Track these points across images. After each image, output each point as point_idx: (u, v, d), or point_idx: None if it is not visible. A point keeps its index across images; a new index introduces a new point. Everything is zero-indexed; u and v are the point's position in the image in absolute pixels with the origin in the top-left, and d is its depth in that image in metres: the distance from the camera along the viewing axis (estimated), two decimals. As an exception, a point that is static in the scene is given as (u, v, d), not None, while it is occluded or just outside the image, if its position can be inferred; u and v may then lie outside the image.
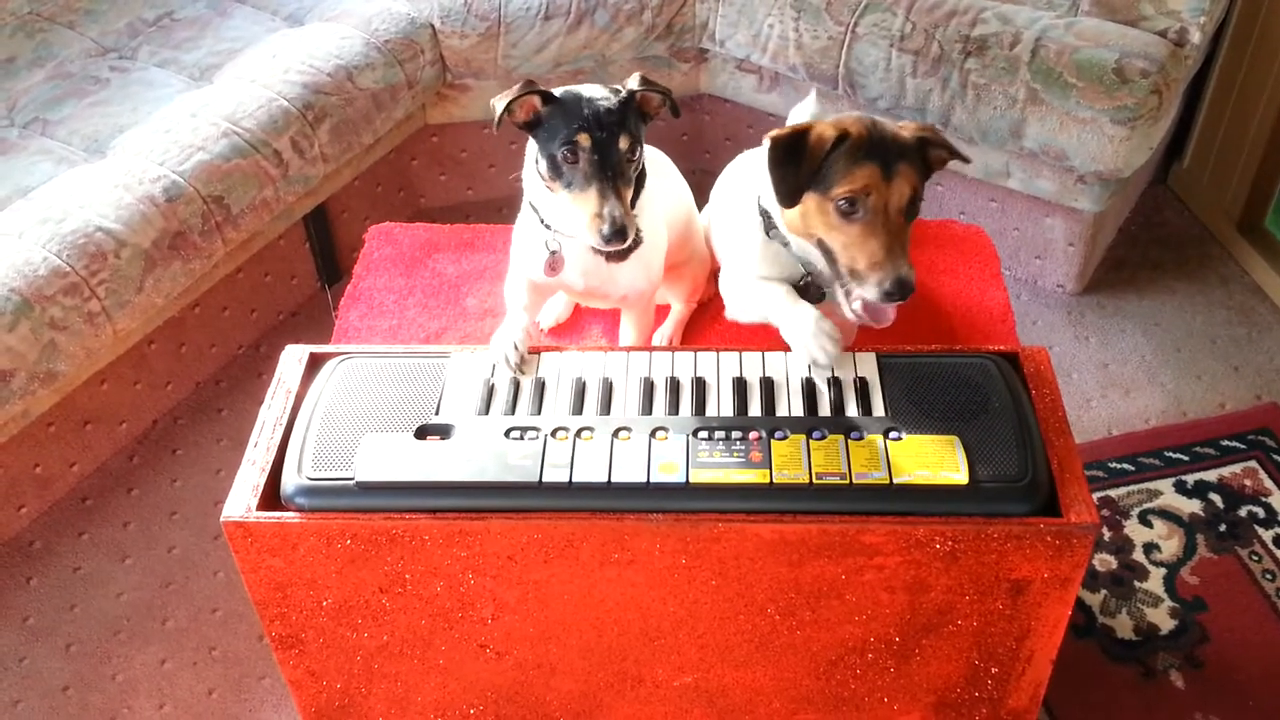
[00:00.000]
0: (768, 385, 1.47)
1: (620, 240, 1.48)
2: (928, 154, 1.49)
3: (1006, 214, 2.73)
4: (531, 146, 1.58)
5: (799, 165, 1.44)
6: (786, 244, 1.57)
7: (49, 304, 2.06)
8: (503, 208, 2.92)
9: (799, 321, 1.51)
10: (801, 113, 1.84)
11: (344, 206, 2.82)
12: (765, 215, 1.59)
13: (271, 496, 1.39)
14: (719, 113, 2.97)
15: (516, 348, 1.51)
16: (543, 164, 1.54)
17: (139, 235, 2.18)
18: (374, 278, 1.99)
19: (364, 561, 1.39)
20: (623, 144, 1.49)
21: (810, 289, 1.60)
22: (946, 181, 2.76)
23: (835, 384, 1.47)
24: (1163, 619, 2.12)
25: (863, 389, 1.45)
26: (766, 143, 1.47)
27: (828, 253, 1.48)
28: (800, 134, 1.45)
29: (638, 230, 1.58)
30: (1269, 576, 2.17)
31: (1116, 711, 1.99)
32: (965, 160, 1.55)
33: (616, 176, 1.49)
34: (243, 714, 2.06)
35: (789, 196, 1.47)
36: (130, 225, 2.17)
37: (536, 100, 1.51)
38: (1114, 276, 2.83)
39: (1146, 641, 2.09)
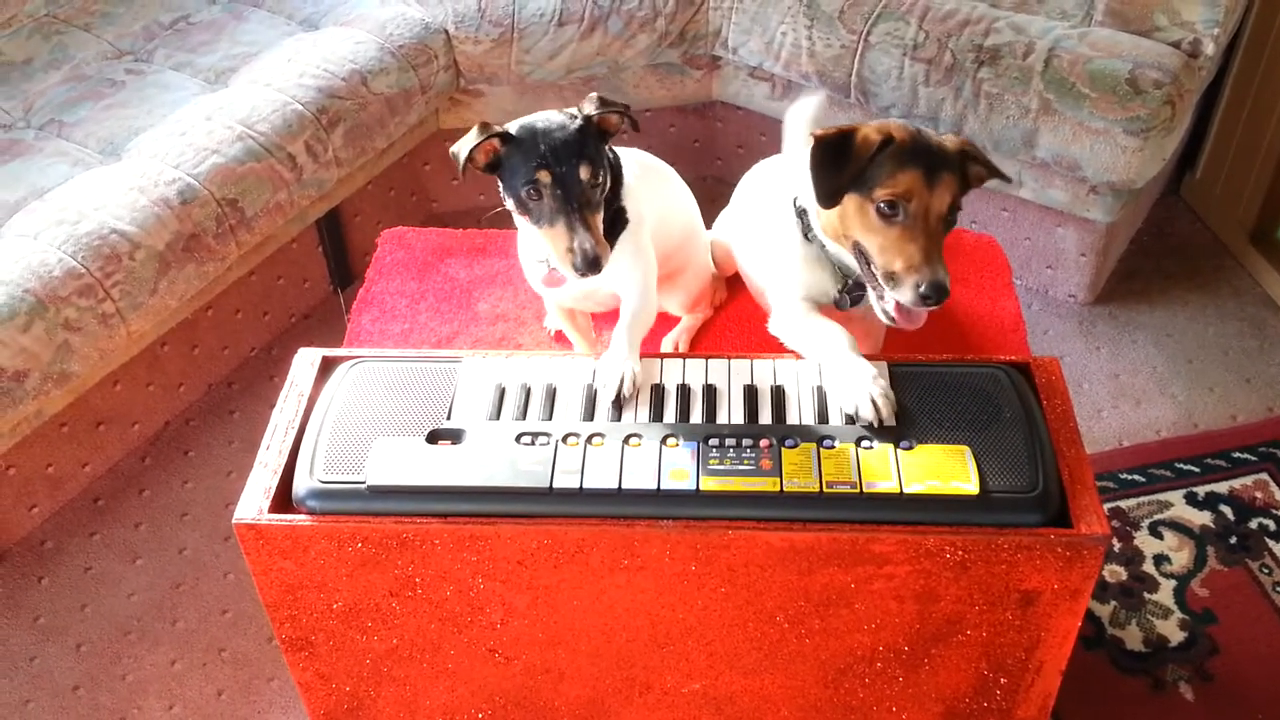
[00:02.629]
0: (778, 393, 1.47)
1: (595, 270, 1.49)
2: (967, 168, 1.49)
3: (1018, 224, 2.73)
4: None
5: (843, 166, 1.44)
6: (824, 246, 1.58)
7: (63, 305, 2.07)
8: (515, 213, 2.92)
9: (855, 376, 1.44)
10: (802, 111, 1.83)
11: (357, 210, 2.83)
12: (802, 216, 1.59)
13: (283, 499, 1.40)
14: (731, 120, 2.97)
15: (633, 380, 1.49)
16: (510, 201, 1.54)
17: (153, 237, 2.19)
18: (386, 282, 2.00)
19: (374, 565, 1.39)
20: (583, 173, 1.49)
21: (850, 295, 1.60)
22: (958, 190, 2.75)
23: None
24: (1173, 631, 2.11)
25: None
26: (810, 141, 1.47)
27: (863, 255, 1.49)
28: (846, 135, 1.45)
29: (624, 215, 1.59)
30: (1279, 589, 2.17)
31: (1125, 723, 1.99)
32: (1006, 179, 1.54)
33: (583, 206, 1.49)
34: (252, 716, 2.07)
35: (830, 197, 1.47)
36: (145, 227, 2.19)
37: (496, 143, 1.51)
38: (1126, 287, 2.83)
39: (1156, 653, 2.08)
